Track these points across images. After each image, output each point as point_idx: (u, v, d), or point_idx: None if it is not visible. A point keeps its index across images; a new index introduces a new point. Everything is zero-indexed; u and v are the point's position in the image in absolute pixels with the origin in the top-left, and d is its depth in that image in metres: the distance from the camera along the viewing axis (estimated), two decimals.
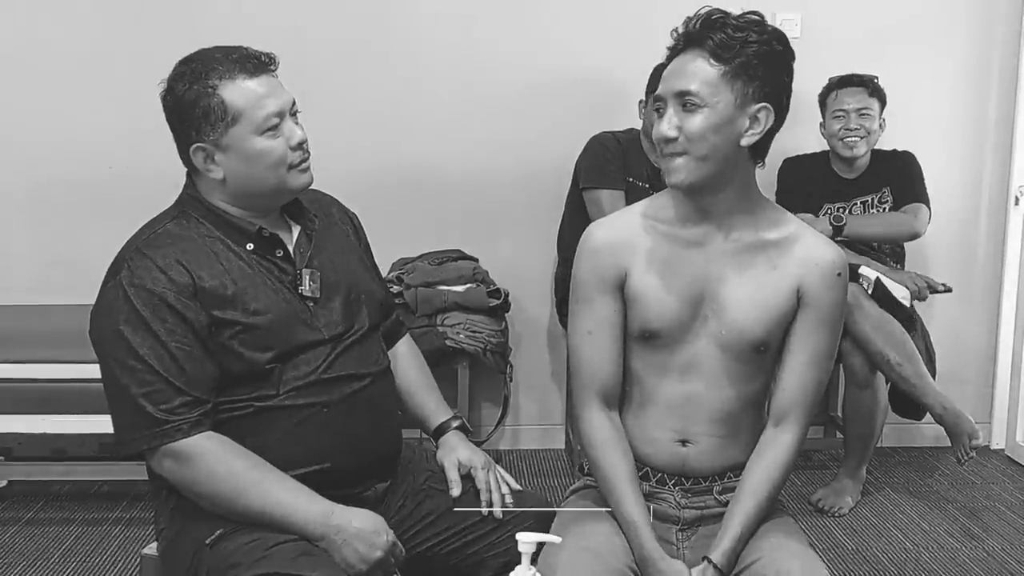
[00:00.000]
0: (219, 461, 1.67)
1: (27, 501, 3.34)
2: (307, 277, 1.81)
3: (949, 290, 3.45)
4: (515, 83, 3.73)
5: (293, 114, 1.77)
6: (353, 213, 2.04)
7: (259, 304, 1.73)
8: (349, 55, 3.67)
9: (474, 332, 3.43)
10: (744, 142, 1.68)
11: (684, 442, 1.79)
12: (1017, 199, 3.86)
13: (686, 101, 1.65)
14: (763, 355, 1.76)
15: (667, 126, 1.67)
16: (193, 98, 1.70)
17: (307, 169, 1.79)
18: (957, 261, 3.93)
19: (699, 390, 1.76)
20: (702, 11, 1.68)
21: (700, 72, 1.64)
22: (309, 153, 1.79)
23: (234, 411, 1.73)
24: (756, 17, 1.67)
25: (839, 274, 1.75)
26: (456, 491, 1.86)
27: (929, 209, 3.46)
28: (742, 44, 1.63)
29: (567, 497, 1.93)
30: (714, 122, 1.65)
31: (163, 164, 3.58)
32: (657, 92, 1.71)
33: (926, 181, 3.50)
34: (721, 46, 1.63)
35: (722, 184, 1.70)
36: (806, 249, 1.75)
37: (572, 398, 1.93)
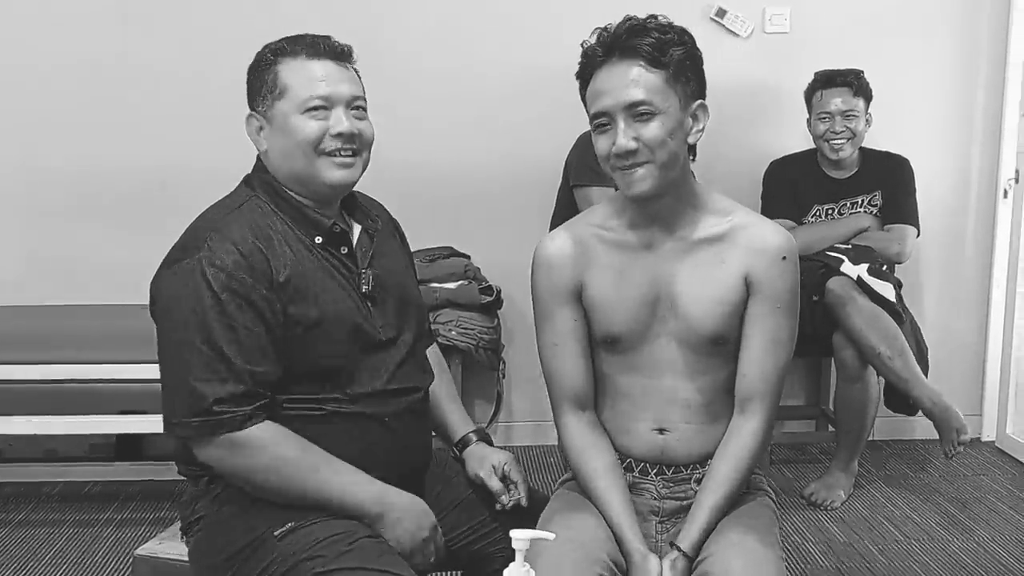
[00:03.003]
0: (274, 449, 1.66)
1: (18, 503, 3.33)
2: (370, 277, 1.81)
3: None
4: (506, 80, 3.72)
5: (354, 108, 1.76)
6: (397, 222, 2.04)
7: (328, 299, 1.73)
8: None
9: (466, 329, 3.44)
10: (691, 140, 1.73)
11: (661, 430, 1.82)
12: (1005, 192, 3.87)
13: (639, 111, 1.66)
14: (723, 347, 1.78)
15: (625, 138, 1.67)
16: (256, 69, 1.77)
17: (346, 166, 1.76)
18: (946, 255, 3.94)
19: (668, 385, 1.80)
20: (621, 21, 1.68)
21: (645, 80, 1.66)
22: (355, 151, 1.77)
23: (302, 411, 1.73)
24: (661, 19, 1.70)
25: (784, 258, 1.76)
26: (506, 499, 1.87)
27: (918, 228, 3.47)
28: (671, 45, 1.66)
29: (556, 489, 1.94)
30: (669, 127, 1.68)
31: (151, 164, 3.62)
32: (600, 108, 1.69)
33: (916, 181, 3.51)
34: (657, 51, 1.65)
35: (672, 186, 1.73)
36: (750, 237, 1.76)
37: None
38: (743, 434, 1.78)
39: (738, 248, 1.76)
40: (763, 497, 1.87)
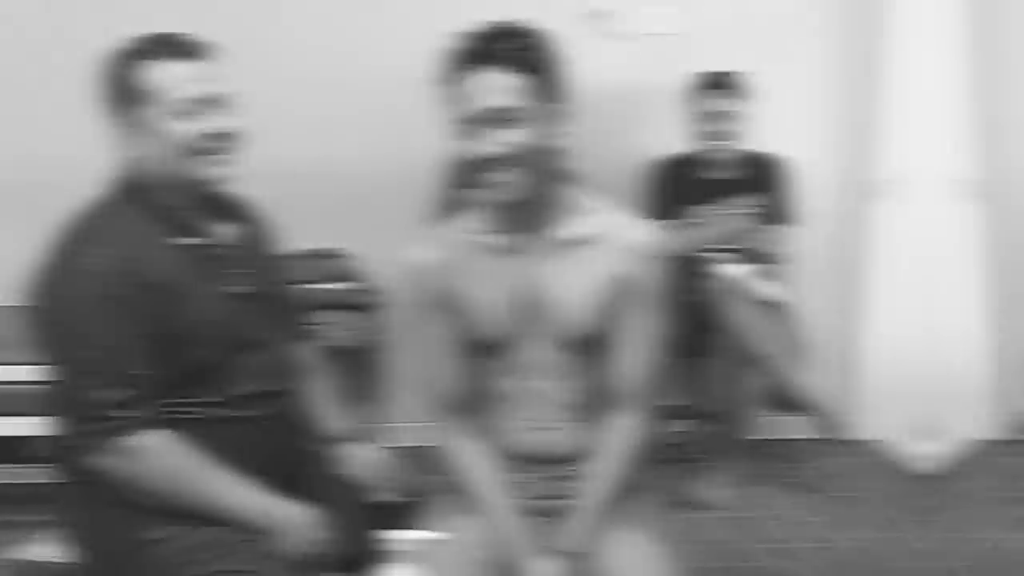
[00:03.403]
0: (167, 457, 1.67)
1: None
2: (241, 276, 1.79)
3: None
4: (383, 73, 3.64)
5: (222, 105, 1.75)
6: (267, 217, 2.01)
7: (199, 302, 1.73)
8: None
9: (348, 330, 3.40)
10: (556, 143, 1.73)
11: (539, 428, 1.82)
12: (880, 191, 3.94)
13: (504, 117, 1.66)
14: (595, 346, 1.79)
15: (492, 145, 1.66)
16: (112, 76, 1.72)
17: (221, 163, 1.76)
18: (823, 254, 3.96)
19: (544, 386, 1.80)
20: (479, 27, 1.68)
21: (508, 86, 1.65)
22: (229, 148, 1.76)
23: (176, 414, 1.70)
24: (521, 23, 1.69)
25: (654, 256, 1.80)
26: (378, 496, 1.93)
27: (797, 227, 3.54)
28: (535, 51, 1.68)
29: (436, 492, 1.93)
30: (534, 132, 1.68)
31: (32, 156, 3.43)
32: (468, 114, 1.68)
33: (794, 180, 3.57)
34: (519, 57, 1.66)
35: (538, 189, 1.74)
36: (618, 236, 1.78)
37: None
38: (621, 431, 1.81)
39: (607, 247, 1.77)
40: (644, 495, 1.89)
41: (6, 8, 3.46)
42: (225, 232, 1.84)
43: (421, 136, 3.56)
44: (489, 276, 1.78)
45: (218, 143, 1.74)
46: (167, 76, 1.70)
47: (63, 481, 1.80)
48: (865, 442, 4.00)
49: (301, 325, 2.06)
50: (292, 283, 2.09)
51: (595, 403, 1.83)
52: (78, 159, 2.37)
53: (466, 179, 3.19)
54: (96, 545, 1.74)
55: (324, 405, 2.02)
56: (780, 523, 3.22)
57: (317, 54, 3.63)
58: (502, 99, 1.65)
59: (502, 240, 1.79)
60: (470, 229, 1.82)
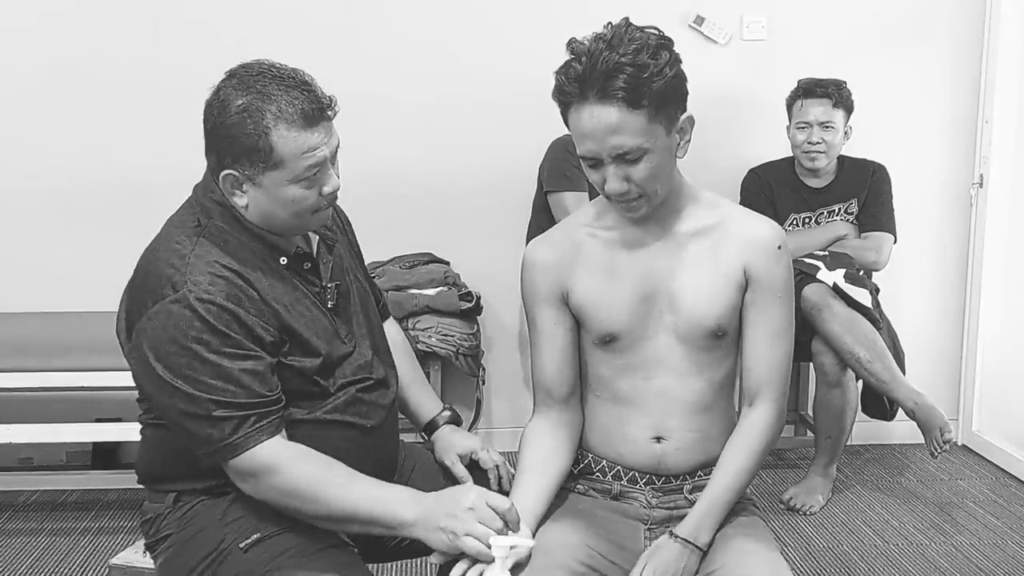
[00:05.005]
0: (296, 468, 1.64)
1: None
2: (335, 292, 1.81)
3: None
4: (484, 87, 3.74)
5: (333, 157, 1.71)
6: (339, 207, 2.01)
7: (303, 320, 1.73)
8: (319, 59, 3.64)
9: (446, 335, 3.43)
10: (680, 155, 1.73)
11: (659, 439, 1.80)
12: (972, 198, 3.90)
13: (625, 157, 1.64)
14: (723, 339, 1.78)
15: (617, 184, 1.66)
16: (241, 131, 1.62)
17: (327, 213, 1.75)
18: (922, 261, 3.96)
19: (670, 384, 1.78)
20: (582, 58, 1.60)
21: (627, 125, 1.60)
22: (335, 199, 1.74)
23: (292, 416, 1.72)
24: (636, 39, 1.60)
25: (779, 247, 1.78)
26: (470, 483, 1.87)
27: (894, 235, 3.51)
28: (648, 82, 1.59)
29: None
30: (657, 160, 1.66)
31: (125, 168, 3.60)
32: (586, 152, 1.66)
33: (892, 187, 3.55)
34: (633, 92, 1.58)
35: (662, 194, 1.74)
36: (743, 229, 1.78)
37: None
38: (750, 423, 1.79)
39: (733, 239, 1.76)
40: (753, 510, 1.87)
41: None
42: (314, 244, 1.82)
43: (520, 144, 3.68)
44: (613, 269, 1.77)
45: (330, 200, 1.72)
46: (299, 145, 1.63)
47: (147, 492, 1.81)
48: (963, 447, 3.96)
49: (381, 303, 2.05)
50: (399, 289, 2.08)
51: (717, 410, 1.81)
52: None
53: (568, 181, 3.28)
54: (184, 556, 1.71)
55: (414, 386, 2.03)
56: (874, 528, 3.21)
57: (417, 65, 3.71)
58: (621, 140, 1.61)
59: (626, 234, 1.78)
60: (593, 224, 1.81)
